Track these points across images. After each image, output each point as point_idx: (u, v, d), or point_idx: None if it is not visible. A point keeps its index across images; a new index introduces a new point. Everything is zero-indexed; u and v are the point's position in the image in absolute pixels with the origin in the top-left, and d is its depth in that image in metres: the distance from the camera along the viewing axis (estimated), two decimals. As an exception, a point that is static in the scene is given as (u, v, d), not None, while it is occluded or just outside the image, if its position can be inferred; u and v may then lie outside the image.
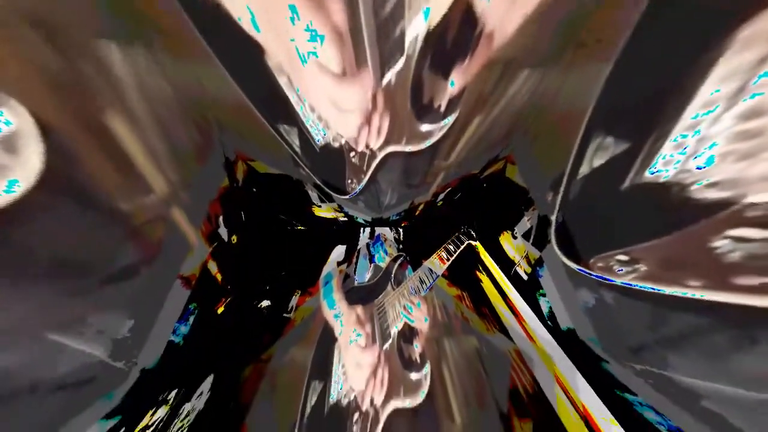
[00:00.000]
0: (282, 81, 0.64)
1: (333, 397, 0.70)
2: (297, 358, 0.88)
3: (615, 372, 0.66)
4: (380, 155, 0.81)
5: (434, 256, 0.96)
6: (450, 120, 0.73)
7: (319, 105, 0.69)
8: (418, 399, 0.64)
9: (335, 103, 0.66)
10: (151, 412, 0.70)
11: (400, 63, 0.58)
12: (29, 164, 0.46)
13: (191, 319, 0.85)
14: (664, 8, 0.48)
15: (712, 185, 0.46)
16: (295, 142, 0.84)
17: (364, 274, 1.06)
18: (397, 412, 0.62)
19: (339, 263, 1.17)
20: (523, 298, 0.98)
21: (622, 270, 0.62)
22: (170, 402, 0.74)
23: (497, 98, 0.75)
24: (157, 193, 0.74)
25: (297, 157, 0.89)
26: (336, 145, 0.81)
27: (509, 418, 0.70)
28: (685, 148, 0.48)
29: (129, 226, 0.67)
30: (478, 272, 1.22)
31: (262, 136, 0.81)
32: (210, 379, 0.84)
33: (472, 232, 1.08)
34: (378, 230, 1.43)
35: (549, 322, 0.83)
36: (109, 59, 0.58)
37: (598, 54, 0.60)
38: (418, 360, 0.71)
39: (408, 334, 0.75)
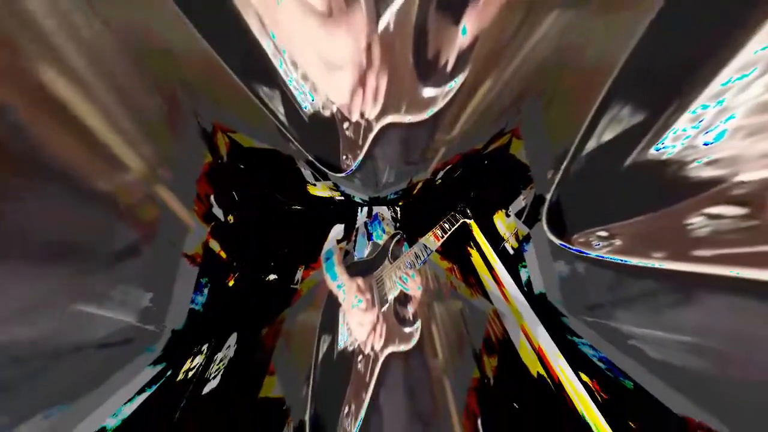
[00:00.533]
0: (252, 23, 0.51)
1: (340, 345, 0.87)
2: (307, 320, 1.03)
3: (570, 323, 0.80)
4: (377, 127, 0.71)
5: (429, 233, 0.96)
6: (457, 82, 0.62)
7: (303, 58, 0.57)
8: (410, 345, 0.79)
9: (321, 56, 0.55)
10: (190, 360, 0.83)
11: (400, -1, 0.46)
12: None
13: (205, 291, 0.92)
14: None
15: (710, 163, 0.46)
16: (279, 110, 0.73)
17: (362, 251, 1.09)
18: (393, 354, 0.78)
19: (338, 241, 1.18)
20: (507, 270, 1.05)
21: (599, 245, 0.67)
22: (204, 352, 0.87)
23: (514, 51, 0.62)
24: (134, 170, 0.67)
25: (284, 128, 0.78)
26: (327, 113, 0.70)
27: (480, 356, 0.89)
28: (700, 121, 0.46)
29: (117, 207, 0.64)
30: (468, 247, 1.25)
31: (240, 101, 0.69)
32: (234, 336, 0.97)
33: (468, 211, 1.07)
34: (375, 209, 1.41)
35: (525, 288, 0.94)
36: (28, 6, 0.47)
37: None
38: (411, 318, 0.84)
39: (403, 299, 0.86)
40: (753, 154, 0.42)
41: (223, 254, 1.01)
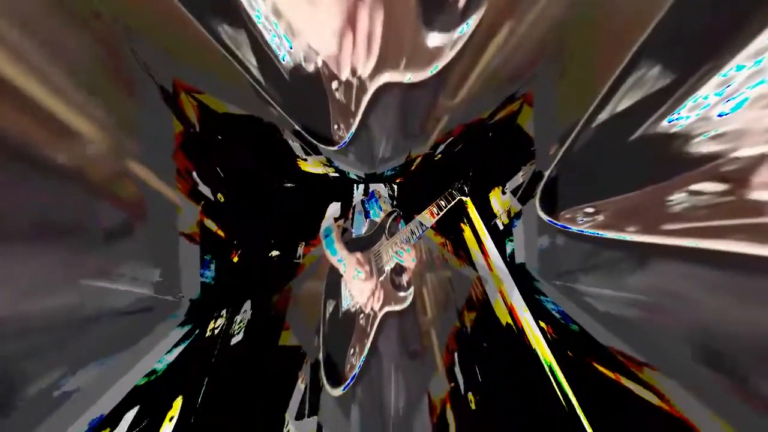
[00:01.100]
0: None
1: (344, 307, 1.01)
2: (312, 288, 1.16)
3: (541, 287, 0.93)
4: (372, 88, 0.61)
5: (426, 211, 0.96)
6: (470, 26, 0.51)
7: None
8: (404, 306, 0.93)
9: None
10: (213, 322, 0.94)
11: None
12: None
13: (212, 266, 0.98)
14: None
15: (715, 137, 0.44)
16: (251, 61, 0.58)
17: (360, 228, 1.12)
18: (388, 313, 0.92)
19: (336, 219, 1.19)
20: (495, 244, 1.12)
21: (583, 221, 0.69)
22: (224, 315, 0.99)
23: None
24: (92, 139, 0.59)
25: (260, 87, 0.65)
26: (311, 68, 0.58)
27: (462, 312, 1.07)
28: (727, 86, 0.42)
29: (89, 183, 0.61)
30: (462, 224, 1.26)
31: (198, 48, 0.54)
32: (248, 302, 1.08)
33: (465, 189, 1.01)
34: (372, 187, 1.37)
35: (508, 259, 1.05)
36: None
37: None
38: (405, 285, 0.95)
39: (398, 269, 0.96)
40: (760, 127, 0.40)
41: (221, 233, 1.01)
